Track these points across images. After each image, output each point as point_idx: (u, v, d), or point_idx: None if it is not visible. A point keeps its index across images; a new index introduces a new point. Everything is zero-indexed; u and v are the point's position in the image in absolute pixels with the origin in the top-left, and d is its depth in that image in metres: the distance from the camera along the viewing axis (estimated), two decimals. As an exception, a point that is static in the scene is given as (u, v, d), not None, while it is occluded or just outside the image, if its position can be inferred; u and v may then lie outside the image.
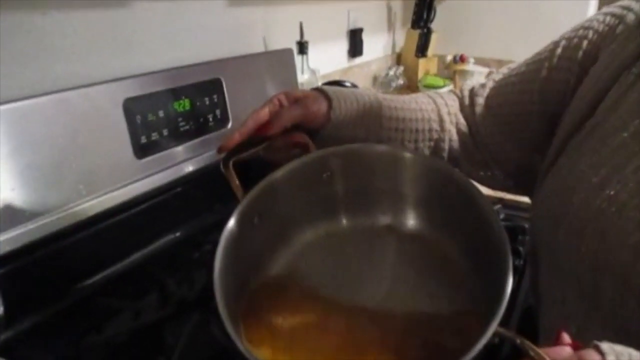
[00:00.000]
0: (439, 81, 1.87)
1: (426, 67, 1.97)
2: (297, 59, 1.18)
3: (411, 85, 1.92)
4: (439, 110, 0.68)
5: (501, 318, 0.37)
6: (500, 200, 1.02)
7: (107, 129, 0.73)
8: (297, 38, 1.20)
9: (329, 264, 0.53)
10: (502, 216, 1.00)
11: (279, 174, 0.51)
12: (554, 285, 0.55)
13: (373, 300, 0.48)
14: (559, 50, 0.61)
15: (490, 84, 0.69)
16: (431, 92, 0.72)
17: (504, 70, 0.69)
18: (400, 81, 1.85)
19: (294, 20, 1.19)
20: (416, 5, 1.70)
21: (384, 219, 0.56)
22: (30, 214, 0.64)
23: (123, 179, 0.75)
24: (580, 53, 0.58)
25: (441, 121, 0.68)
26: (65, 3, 0.73)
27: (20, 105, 0.63)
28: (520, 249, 0.87)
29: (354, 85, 1.01)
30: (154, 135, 0.79)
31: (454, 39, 1.99)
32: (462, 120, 0.70)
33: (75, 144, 0.69)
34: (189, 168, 0.87)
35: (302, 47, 1.20)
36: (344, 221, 0.57)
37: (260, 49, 1.14)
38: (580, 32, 0.60)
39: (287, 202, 0.53)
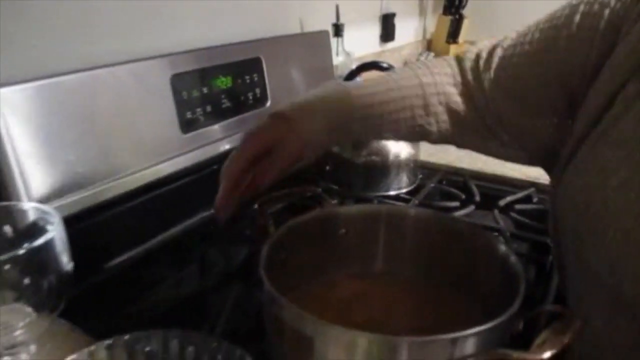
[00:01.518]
0: (470, 68, 1.85)
1: (457, 53, 1.95)
2: (333, 41, 1.19)
3: (441, 72, 1.90)
4: (425, 93, 0.62)
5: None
6: (534, 184, 1.01)
7: (156, 103, 0.75)
8: (331, 20, 1.21)
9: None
10: (535, 200, 0.98)
11: (296, 221, 0.57)
12: (578, 281, 0.52)
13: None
14: (577, 17, 0.53)
15: (498, 53, 0.62)
16: (420, 66, 0.66)
17: (513, 35, 0.61)
18: (431, 67, 1.84)
19: (328, 1, 1.20)
20: (448, -10, 1.69)
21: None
22: (83, 183, 0.67)
23: (169, 152, 0.78)
24: (602, 23, 0.51)
25: (426, 106, 0.62)
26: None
27: (71, 78, 0.66)
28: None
29: (390, 66, 1.01)
30: (198, 111, 0.82)
31: (486, 25, 1.96)
32: (454, 99, 0.63)
33: (124, 116, 0.71)
34: (226, 146, 0.89)
35: (338, 30, 1.20)
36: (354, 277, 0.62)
37: (296, 30, 1.15)
38: None
39: (306, 248, 0.58)
